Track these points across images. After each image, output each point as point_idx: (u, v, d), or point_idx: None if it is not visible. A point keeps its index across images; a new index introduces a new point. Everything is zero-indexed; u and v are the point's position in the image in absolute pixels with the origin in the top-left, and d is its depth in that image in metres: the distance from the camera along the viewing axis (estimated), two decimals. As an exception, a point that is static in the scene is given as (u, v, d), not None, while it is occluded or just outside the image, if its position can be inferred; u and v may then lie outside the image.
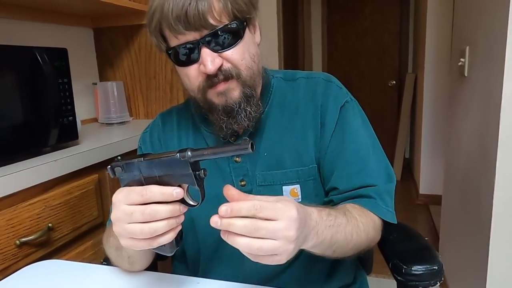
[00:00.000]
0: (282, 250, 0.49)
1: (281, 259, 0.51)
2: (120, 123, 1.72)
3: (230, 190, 0.51)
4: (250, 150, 0.47)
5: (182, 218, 0.55)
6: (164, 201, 0.52)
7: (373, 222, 0.71)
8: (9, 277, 0.72)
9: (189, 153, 0.50)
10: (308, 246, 0.57)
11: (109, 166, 0.57)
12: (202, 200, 0.54)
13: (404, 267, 0.72)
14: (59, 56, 1.16)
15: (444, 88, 2.78)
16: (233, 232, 0.49)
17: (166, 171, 0.53)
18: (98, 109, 1.75)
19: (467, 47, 1.50)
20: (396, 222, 0.75)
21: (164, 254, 0.57)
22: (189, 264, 0.85)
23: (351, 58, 4.34)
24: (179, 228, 0.55)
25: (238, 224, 0.48)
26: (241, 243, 0.48)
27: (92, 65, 1.87)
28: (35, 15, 1.50)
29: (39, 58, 1.06)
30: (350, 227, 0.65)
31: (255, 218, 0.48)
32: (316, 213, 0.58)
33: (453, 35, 1.94)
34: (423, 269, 0.71)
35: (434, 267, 0.71)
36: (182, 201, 0.53)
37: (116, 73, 1.87)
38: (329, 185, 0.76)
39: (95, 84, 1.80)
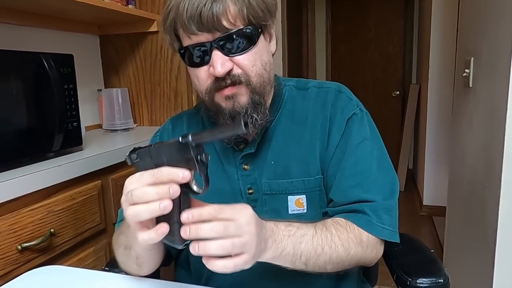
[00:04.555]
0: (249, 246, 0.52)
1: (248, 259, 0.52)
2: (124, 129, 1.72)
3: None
4: (243, 129, 0.47)
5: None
6: (172, 181, 0.51)
7: (358, 239, 0.68)
8: (10, 282, 0.71)
9: (190, 136, 0.51)
10: (269, 255, 0.58)
11: (127, 153, 0.57)
12: (206, 186, 0.53)
13: (409, 279, 0.71)
14: (65, 62, 1.16)
15: (448, 99, 2.78)
16: (201, 242, 0.49)
17: (172, 157, 0.53)
18: (103, 116, 1.76)
19: (472, 58, 1.50)
20: (398, 241, 0.72)
21: (175, 246, 0.55)
22: (193, 272, 0.84)
23: (355, 69, 4.36)
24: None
25: (206, 227, 0.49)
26: (214, 247, 0.49)
27: (98, 71, 1.88)
28: (43, 21, 1.52)
29: (45, 64, 1.07)
30: (319, 240, 0.64)
31: (216, 220, 0.50)
32: (272, 224, 0.60)
33: (458, 46, 1.94)
34: (429, 282, 0.70)
35: (439, 280, 0.70)
36: (188, 187, 0.53)
37: (121, 80, 1.88)
38: (328, 197, 0.76)
39: (100, 90, 1.81)
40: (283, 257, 0.61)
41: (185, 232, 0.49)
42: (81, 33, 1.76)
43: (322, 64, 4.41)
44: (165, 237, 0.54)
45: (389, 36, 4.20)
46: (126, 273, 0.75)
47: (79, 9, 1.47)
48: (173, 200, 0.51)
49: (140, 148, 0.57)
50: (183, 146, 0.51)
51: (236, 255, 0.51)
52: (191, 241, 0.53)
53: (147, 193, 0.50)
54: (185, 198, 0.53)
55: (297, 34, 3.79)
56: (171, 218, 0.52)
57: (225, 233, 0.50)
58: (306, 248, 0.62)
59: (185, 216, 0.49)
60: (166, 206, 0.49)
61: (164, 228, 0.52)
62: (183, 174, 0.50)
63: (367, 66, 4.31)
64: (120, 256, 0.71)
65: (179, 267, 0.87)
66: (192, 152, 0.50)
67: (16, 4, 1.33)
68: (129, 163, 0.57)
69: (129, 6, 1.65)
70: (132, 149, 0.58)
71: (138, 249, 0.66)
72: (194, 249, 0.49)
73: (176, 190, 0.49)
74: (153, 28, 1.75)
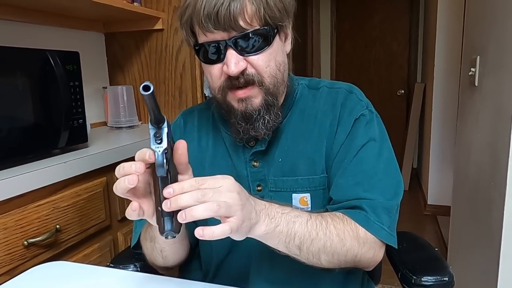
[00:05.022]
0: (234, 209, 0.51)
1: (238, 222, 0.52)
2: (129, 127, 1.73)
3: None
4: (145, 93, 0.46)
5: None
6: (142, 161, 0.52)
7: (354, 232, 0.67)
8: (16, 277, 0.72)
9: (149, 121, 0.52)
10: (263, 228, 0.58)
11: None
12: (165, 165, 0.52)
13: (414, 277, 0.71)
14: (71, 59, 1.17)
15: (453, 98, 2.76)
16: (188, 209, 0.50)
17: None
18: (108, 113, 1.77)
19: (478, 57, 1.49)
20: (395, 246, 0.70)
21: (167, 231, 0.54)
22: (203, 265, 0.85)
23: (359, 66, 4.34)
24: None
25: (185, 195, 0.50)
26: (199, 209, 0.50)
27: (103, 69, 1.89)
28: (49, 19, 1.52)
29: (51, 61, 1.08)
30: (314, 224, 0.63)
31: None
32: (264, 201, 0.60)
33: (464, 44, 1.93)
34: (433, 280, 0.70)
35: (444, 278, 0.70)
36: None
37: (126, 78, 1.88)
38: (329, 195, 0.75)
39: (105, 88, 1.82)
40: (277, 234, 0.60)
41: (166, 205, 0.50)
42: (86, 31, 1.76)
43: (327, 61, 4.40)
44: (158, 226, 0.54)
45: (394, 34, 4.18)
46: (153, 267, 0.79)
47: (85, 7, 1.48)
48: (156, 185, 0.52)
49: None
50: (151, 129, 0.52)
51: (226, 219, 0.52)
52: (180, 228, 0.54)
53: (120, 169, 0.52)
54: (164, 183, 0.53)
55: (302, 32, 3.78)
56: (159, 205, 0.53)
57: (203, 199, 0.50)
58: (300, 229, 0.62)
59: (167, 191, 0.50)
60: (129, 179, 0.51)
61: (133, 205, 0.53)
62: (149, 153, 0.51)
63: (371, 64, 4.30)
64: (148, 249, 0.74)
65: (190, 261, 0.87)
66: (150, 128, 0.51)
67: (22, 2, 1.34)
68: None
69: (135, 3, 1.65)
70: None
71: (162, 242, 0.69)
72: (182, 217, 0.50)
73: (138, 167, 0.51)
74: (158, 25, 1.75)
